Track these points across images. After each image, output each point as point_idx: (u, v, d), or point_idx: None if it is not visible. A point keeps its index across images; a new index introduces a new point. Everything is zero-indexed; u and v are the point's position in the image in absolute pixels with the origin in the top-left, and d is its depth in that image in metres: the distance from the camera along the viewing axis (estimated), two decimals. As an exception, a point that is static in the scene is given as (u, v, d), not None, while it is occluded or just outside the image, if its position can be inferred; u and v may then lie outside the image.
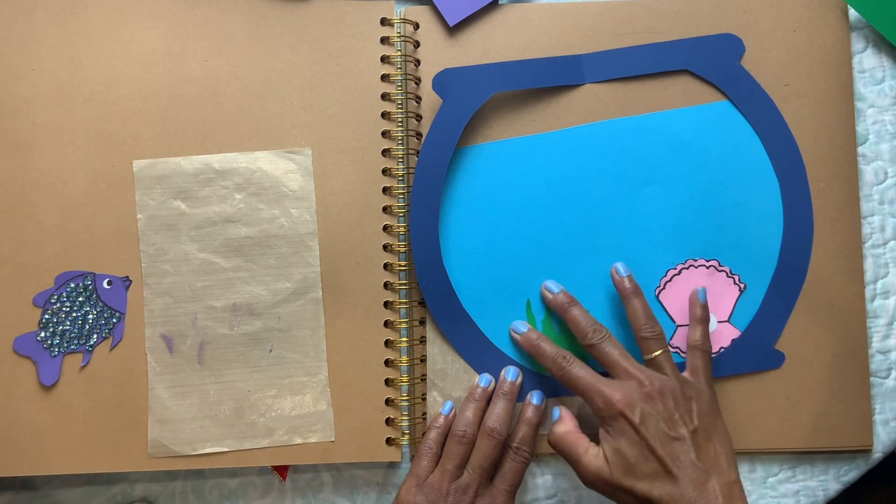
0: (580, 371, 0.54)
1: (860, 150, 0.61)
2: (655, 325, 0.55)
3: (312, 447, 0.57)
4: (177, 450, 0.57)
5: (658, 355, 0.53)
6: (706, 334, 0.55)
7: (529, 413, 0.57)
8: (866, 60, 0.62)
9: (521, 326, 0.58)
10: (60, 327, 0.57)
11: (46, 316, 0.57)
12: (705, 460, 0.50)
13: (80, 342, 0.57)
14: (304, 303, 0.58)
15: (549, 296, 0.58)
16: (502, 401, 0.56)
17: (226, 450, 0.57)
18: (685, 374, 0.54)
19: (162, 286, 0.57)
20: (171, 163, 0.58)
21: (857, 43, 0.62)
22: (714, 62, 0.60)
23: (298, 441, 0.57)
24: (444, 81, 0.59)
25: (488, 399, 0.57)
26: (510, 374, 0.57)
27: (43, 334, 0.57)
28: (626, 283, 0.57)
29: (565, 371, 0.54)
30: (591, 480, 0.52)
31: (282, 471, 0.59)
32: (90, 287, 0.57)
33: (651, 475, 0.50)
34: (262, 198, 0.58)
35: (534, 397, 0.57)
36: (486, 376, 0.58)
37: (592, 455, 0.52)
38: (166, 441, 0.56)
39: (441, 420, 0.57)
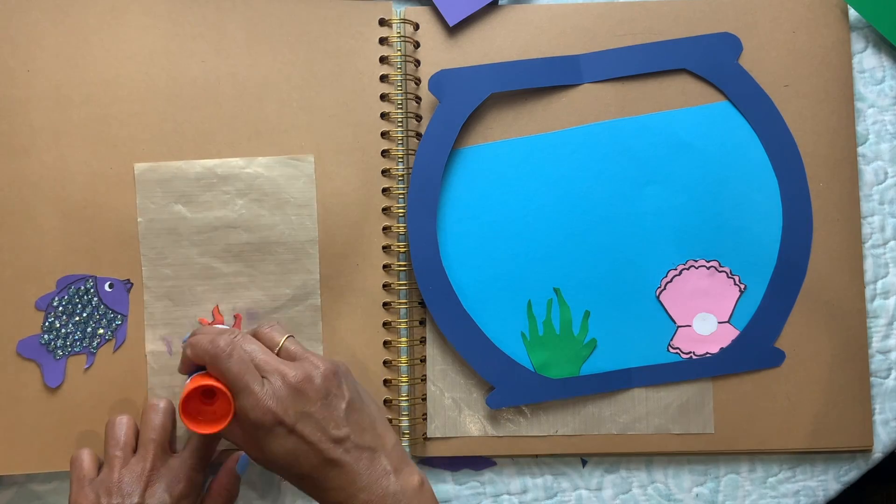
0: (231, 366, 0.48)
1: (860, 150, 0.61)
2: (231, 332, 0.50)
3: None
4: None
5: (285, 342, 0.51)
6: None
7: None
8: (866, 60, 0.62)
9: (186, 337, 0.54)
10: (63, 330, 0.57)
11: (49, 319, 0.56)
12: (364, 434, 0.49)
13: (84, 344, 0.57)
14: (302, 309, 0.58)
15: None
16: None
17: (223, 449, 0.57)
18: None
19: (162, 289, 0.57)
20: (172, 167, 0.57)
21: (857, 43, 0.62)
22: (712, 61, 0.60)
23: None
24: (440, 82, 0.59)
25: None
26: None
27: (46, 337, 0.56)
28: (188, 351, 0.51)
29: (218, 368, 0.49)
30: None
31: (282, 472, 0.59)
32: (92, 290, 0.57)
33: (313, 469, 0.48)
34: (264, 204, 0.58)
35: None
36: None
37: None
38: None
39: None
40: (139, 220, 0.57)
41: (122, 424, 0.53)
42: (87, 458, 0.53)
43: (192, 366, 0.51)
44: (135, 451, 0.53)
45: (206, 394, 0.49)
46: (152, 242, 0.57)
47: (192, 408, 0.49)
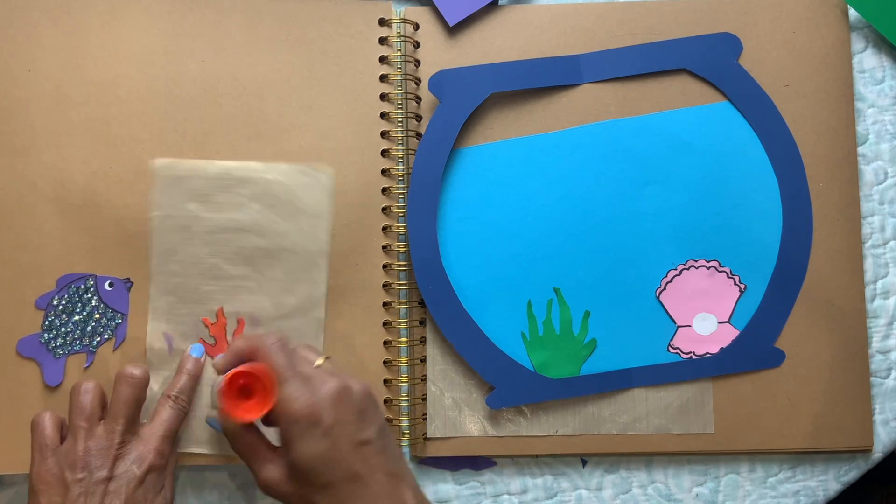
0: (277, 359, 0.49)
1: (860, 150, 0.61)
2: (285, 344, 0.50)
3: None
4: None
5: (324, 361, 0.51)
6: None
7: (189, 364, 0.55)
8: (866, 60, 0.62)
9: (196, 351, 0.56)
10: (63, 329, 0.57)
11: (49, 318, 0.57)
12: (391, 461, 0.48)
13: (84, 343, 0.57)
14: (306, 321, 0.58)
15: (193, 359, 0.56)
16: (187, 376, 0.55)
17: (205, 452, 0.56)
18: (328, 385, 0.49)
19: (169, 285, 0.57)
20: (191, 164, 0.57)
21: (857, 43, 0.62)
22: (712, 61, 0.60)
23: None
24: (440, 82, 0.59)
25: (200, 369, 0.56)
26: (195, 352, 0.56)
27: (46, 336, 0.56)
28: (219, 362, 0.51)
29: (264, 356, 0.49)
30: (268, 487, 0.49)
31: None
32: (92, 289, 0.57)
33: (340, 480, 0.47)
34: (278, 210, 0.58)
35: (193, 350, 0.56)
36: (199, 347, 0.56)
37: (270, 467, 0.49)
38: None
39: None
40: (153, 213, 0.57)
41: (88, 392, 0.51)
42: (49, 424, 0.51)
43: (234, 363, 0.50)
44: (100, 419, 0.51)
45: (242, 392, 0.49)
46: (163, 237, 0.57)
47: (228, 398, 0.48)
